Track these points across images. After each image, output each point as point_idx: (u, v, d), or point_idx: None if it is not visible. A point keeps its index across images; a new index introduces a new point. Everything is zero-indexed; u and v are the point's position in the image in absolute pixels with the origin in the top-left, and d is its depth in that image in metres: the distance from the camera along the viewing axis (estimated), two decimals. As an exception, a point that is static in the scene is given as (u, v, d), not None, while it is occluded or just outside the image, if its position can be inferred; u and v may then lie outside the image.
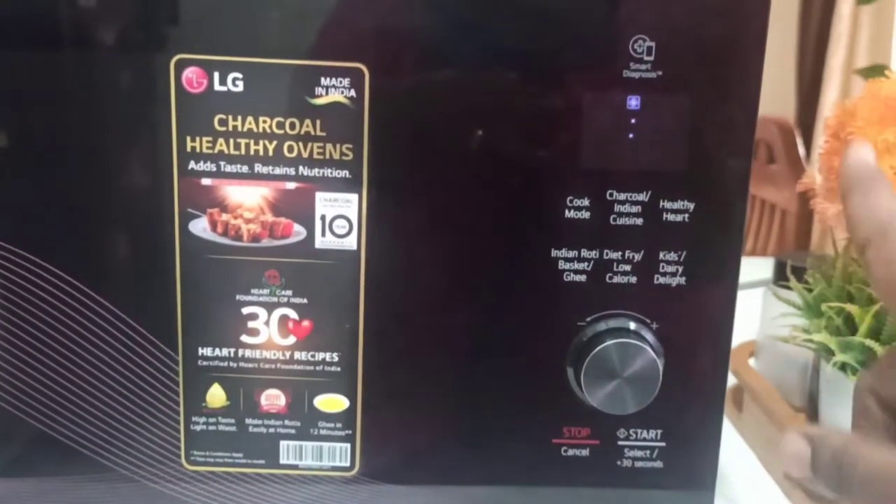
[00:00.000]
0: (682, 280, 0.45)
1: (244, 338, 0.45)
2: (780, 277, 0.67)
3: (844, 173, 0.35)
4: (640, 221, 0.44)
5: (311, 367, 0.46)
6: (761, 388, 0.67)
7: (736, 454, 0.67)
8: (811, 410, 0.64)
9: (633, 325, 0.45)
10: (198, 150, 0.43)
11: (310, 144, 0.43)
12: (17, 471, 0.47)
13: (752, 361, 0.74)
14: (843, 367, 0.54)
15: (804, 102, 2.50)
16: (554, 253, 0.44)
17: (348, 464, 0.47)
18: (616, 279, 0.45)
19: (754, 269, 0.91)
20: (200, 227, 0.44)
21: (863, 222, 0.33)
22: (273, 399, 0.46)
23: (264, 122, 0.43)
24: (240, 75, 0.42)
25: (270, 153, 0.43)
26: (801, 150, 1.61)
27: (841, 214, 0.54)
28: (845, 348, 0.54)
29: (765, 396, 0.66)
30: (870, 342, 0.52)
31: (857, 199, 0.34)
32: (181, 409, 0.46)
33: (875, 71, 1.07)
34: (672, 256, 0.45)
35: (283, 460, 0.47)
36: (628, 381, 0.44)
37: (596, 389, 0.44)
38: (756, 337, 0.74)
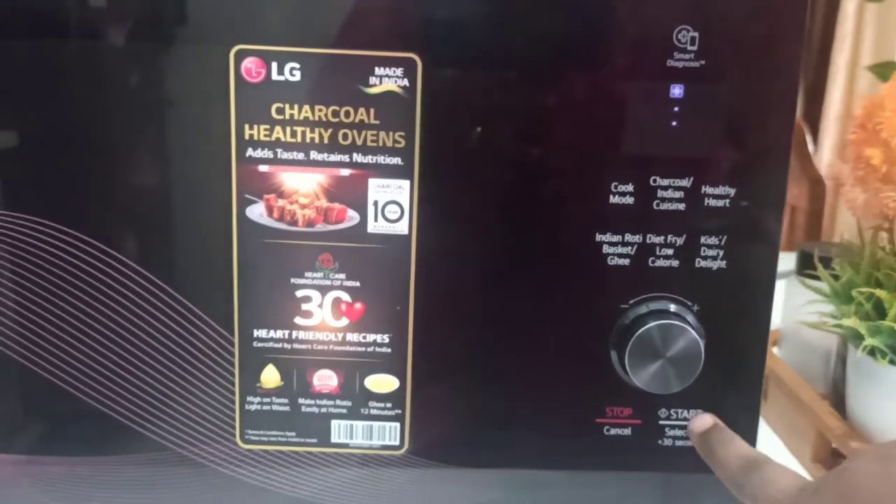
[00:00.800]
0: (723, 263, 0.46)
1: (298, 320, 0.47)
2: (804, 267, 0.68)
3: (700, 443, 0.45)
4: (682, 207, 0.46)
5: (363, 349, 0.47)
6: (786, 376, 0.69)
7: (762, 440, 0.68)
8: (834, 397, 0.65)
9: (673, 308, 0.47)
10: (255, 137, 0.44)
11: (363, 132, 0.45)
12: (74, 449, 0.48)
13: (775, 350, 0.76)
14: (872, 351, 0.56)
15: (810, 100, 2.51)
16: (598, 237, 0.46)
17: (398, 443, 0.49)
18: (658, 263, 0.46)
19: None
20: (257, 212, 0.45)
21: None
22: (325, 379, 0.48)
23: (320, 110, 0.44)
24: (297, 65, 0.44)
25: (325, 140, 0.45)
26: (811, 147, 1.63)
27: (870, 202, 0.56)
28: (875, 333, 0.55)
29: (790, 383, 0.67)
30: (899, 326, 0.54)
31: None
32: (236, 389, 0.48)
33: (886, 67, 1.08)
34: (713, 241, 0.46)
35: (334, 439, 0.48)
36: (671, 361, 0.45)
37: (640, 370, 0.46)
38: (779, 326, 0.75)
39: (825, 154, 2.23)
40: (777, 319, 0.75)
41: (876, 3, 2.32)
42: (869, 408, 0.58)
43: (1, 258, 0.46)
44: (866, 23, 2.40)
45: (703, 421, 0.45)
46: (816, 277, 0.63)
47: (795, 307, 0.68)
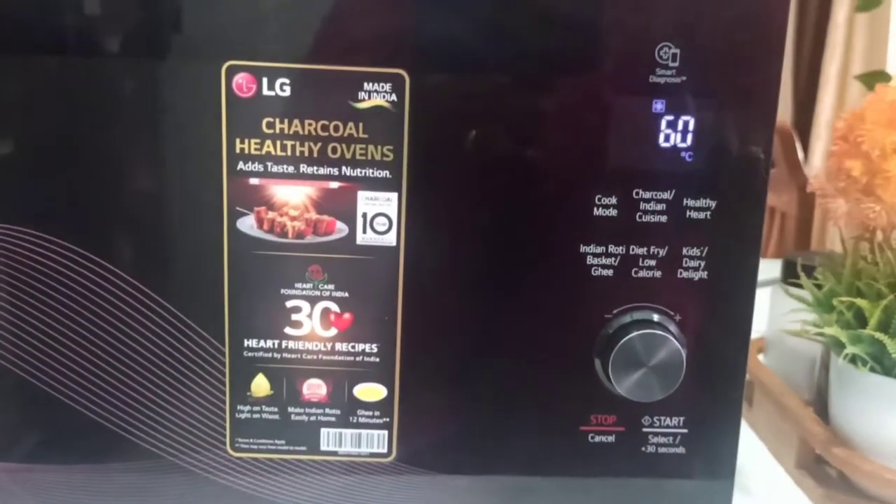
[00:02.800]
0: (704, 274, 0.47)
1: (288, 330, 0.48)
2: (788, 276, 0.69)
3: None
4: (664, 219, 0.47)
5: (352, 358, 0.48)
6: (771, 383, 0.69)
7: (748, 446, 0.69)
8: (819, 405, 0.66)
9: (656, 317, 0.48)
10: (246, 151, 0.45)
11: (352, 146, 0.45)
12: (66, 458, 0.49)
13: (761, 357, 0.77)
14: (853, 359, 0.57)
15: (800, 109, 2.53)
16: (583, 248, 0.47)
17: (385, 450, 0.49)
18: (641, 273, 0.47)
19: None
20: (248, 224, 0.46)
21: None
22: (315, 388, 0.48)
23: (309, 124, 0.45)
24: (287, 81, 0.45)
25: (315, 154, 0.45)
26: (801, 155, 1.64)
27: (851, 212, 0.57)
28: (856, 341, 0.56)
29: (775, 390, 0.68)
30: (879, 335, 0.55)
31: None
32: (227, 398, 0.48)
33: (875, 77, 1.09)
34: (695, 252, 0.47)
35: (323, 447, 0.49)
36: (654, 370, 0.46)
37: (623, 378, 0.47)
38: (764, 334, 0.76)
39: (815, 162, 2.25)
40: (762, 327, 0.77)
41: (867, 14, 2.34)
42: (851, 414, 0.59)
43: (-5, 269, 0.46)
44: (857, 32, 2.42)
45: None
46: (800, 285, 0.64)
47: (781, 315, 0.69)
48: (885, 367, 0.56)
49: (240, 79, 0.45)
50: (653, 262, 0.47)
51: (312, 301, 0.47)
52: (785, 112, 2.58)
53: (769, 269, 0.78)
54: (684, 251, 0.47)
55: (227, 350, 0.48)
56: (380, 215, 0.46)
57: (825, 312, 0.60)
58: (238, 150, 0.45)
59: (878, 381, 0.56)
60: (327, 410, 0.49)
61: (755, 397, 0.72)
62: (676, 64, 0.45)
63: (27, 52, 0.44)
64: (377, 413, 0.49)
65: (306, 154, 0.45)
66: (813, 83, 2.46)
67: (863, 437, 0.58)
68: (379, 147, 0.45)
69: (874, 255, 0.59)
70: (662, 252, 0.47)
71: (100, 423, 0.48)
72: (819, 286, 0.61)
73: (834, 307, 0.58)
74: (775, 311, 0.73)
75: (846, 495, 0.60)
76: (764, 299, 0.76)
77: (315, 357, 0.48)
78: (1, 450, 0.49)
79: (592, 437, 0.49)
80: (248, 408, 0.49)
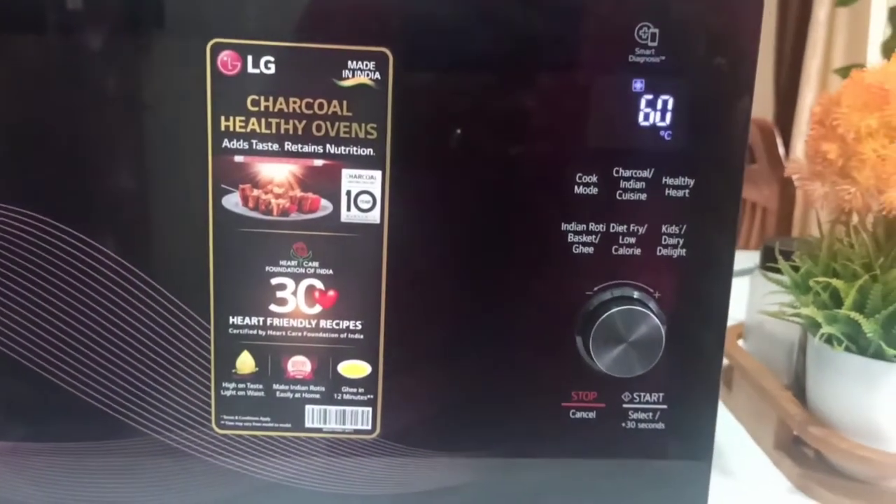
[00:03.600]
0: (683, 252, 0.48)
1: (273, 307, 0.48)
2: (766, 262, 0.70)
3: None
4: (643, 197, 0.47)
5: (336, 335, 0.49)
6: (751, 366, 0.70)
7: (727, 429, 0.70)
8: (796, 387, 0.67)
9: (636, 294, 0.49)
10: (231, 129, 0.46)
11: (336, 124, 0.46)
12: (51, 436, 0.49)
13: (740, 342, 0.78)
14: (829, 339, 0.58)
15: (782, 105, 2.55)
16: (564, 227, 0.48)
17: (369, 427, 0.50)
18: (621, 251, 0.48)
19: (738, 261, 0.95)
20: (233, 201, 0.47)
21: None
22: (299, 365, 0.49)
23: (294, 102, 0.46)
24: (272, 58, 0.45)
25: (299, 132, 0.46)
26: (781, 150, 1.66)
27: (827, 195, 0.58)
28: (831, 321, 0.57)
29: (754, 373, 0.69)
30: (854, 315, 0.56)
31: None
32: (212, 375, 0.49)
33: (852, 69, 1.11)
34: (673, 229, 0.48)
35: (308, 424, 0.50)
36: (634, 345, 0.47)
37: (604, 354, 0.47)
38: (744, 320, 0.77)
39: (798, 155, 2.27)
40: (742, 313, 0.78)
41: (847, 10, 2.36)
42: (827, 394, 0.60)
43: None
44: (838, 29, 2.45)
45: None
46: (778, 271, 0.65)
47: (760, 301, 0.70)
48: (860, 347, 0.57)
49: (225, 56, 0.45)
50: (633, 240, 0.48)
51: (297, 278, 0.48)
52: (766, 108, 2.60)
53: (750, 260, 0.79)
54: (663, 229, 0.48)
55: (211, 327, 0.48)
56: (364, 193, 0.47)
57: (802, 294, 0.61)
58: (223, 128, 0.46)
59: (854, 360, 0.57)
60: (312, 387, 0.49)
61: (734, 381, 0.73)
62: (655, 44, 0.45)
63: (9, 31, 0.44)
64: (361, 390, 0.49)
65: (291, 132, 0.46)
66: (794, 80, 2.48)
67: (839, 416, 0.59)
68: (363, 125, 0.46)
69: (850, 237, 0.60)
70: (642, 230, 0.48)
71: (84, 400, 0.49)
72: (796, 269, 0.62)
73: (810, 289, 0.59)
74: (754, 297, 0.74)
75: (823, 474, 0.61)
76: (744, 288, 0.77)
77: (300, 334, 0.49)
78: (-15, 427, 0.49)
79: (574, 414, 0.50)
80: (233, 385, 0.49)
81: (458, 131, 0.47)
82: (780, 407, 0.64)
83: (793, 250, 0.66)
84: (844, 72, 1.01)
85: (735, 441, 0.68)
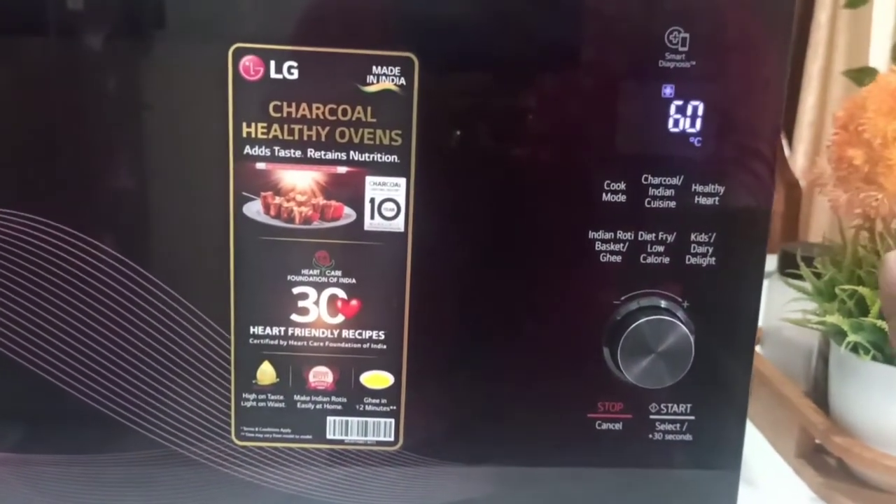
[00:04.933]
0: (713, 260, 0.47)
1: (294, 317, 0.47)
2: (785, 267, 0.70)
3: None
4: (673, 204, 0.46)
5: (359, 345, 0.48)
6: (769, 373, 0.70)
7: (746, 436, 0.69)
8: (815, 394, 0.66)
9: (664, 304, 0.48)
10: (253, 135, 0.45)
11: (360, 130, 0.45)
12: (65, 448, 0.48)
13: (758, 348, 0.77)
14: (854, 347, 0.57)
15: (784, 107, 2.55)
16: (591, 235, 0.47)
17: (392, 438, 0.49)
18: (650, 260, 0.47)
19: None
20: (254, 209, 0.46)
21: None
22: (321, 376, 0.48)
23: (317, 108, 0.45)
24: (295, 63, 0.44)
25: (323, 138, 0.45)
26: (786, 151, 1.65)
27: (852, 201, 0.57)
28: (857, 329, 0.56)
29: (773, 381, 0.68)
30: (881, 323, 0.55)
31: None
32: (232, 386, 0.48)
33: (862, 72, 1.10)
34: (703, 238, 0.47)
35: (329, 435, 0.49)
36: (663, 356, 0.46)
37: (632, 365, 0.46)
38: (761, 325, 0.76)
39: (799, 161, 2.26)
40: (759, 319, 0.77)
41: (848, 13, 2.36)
42: (851, 402, 0.59)
43: (-4, 255, 0.46)
44: (839, 31, 2.44)
45: None
46: (797, 276, 0.64)
47: (777, 306, 0.70)
48: (886, 356, 0.56)
49: (247, 61, 0.44)
50: (661, 248, 0.47)
51: (319, 287, 0.47)
52: (768, 111, 2.58)
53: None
54: (692, 237, 0.47)
55: (232, 337, 0.47)
56: (388, 201, 0.46)
57: (826, 301, 0.60)
58: (245, 134, 0.45)
59: (880, 369, 0.56)
60: (333, 398, 0.48)
61: (753, 388, 0.72)
62: (686, 48, 0.45)
63: (28, 33, 0.43)
64: (384, 401, 0.48)
65: (314, 138, 0.45)
66: (796, 82, 2.48)
67: (863, 425, 0.59)
68: (387, 131, 0.45)
69: (875, 243, 0.59)
70: (671, 238, 0.47)
71: (101, 411, 0.48)
72: (818, 275, 0.61)
73: (835, 296, 0.59)
74: (772, 303, 0.73)
75: (846, 483, 0.60)
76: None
77: (321, 344, 0.48)
78: None
79: (600, 425, 0.49)
80: (253, 396, 0.48)
81: (484, 138, 0.46)
82: (801, 415, 0.63)
83: (812, 256, 0.65)
84: (854, 74, 1.01)
85: (754, 449, 0.67)
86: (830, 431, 0.60)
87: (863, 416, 0.58)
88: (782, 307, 0.66)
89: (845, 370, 0.59)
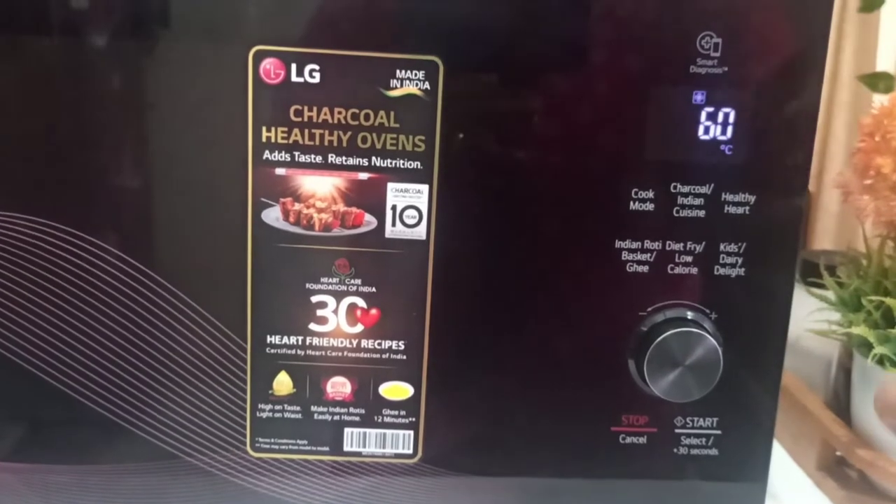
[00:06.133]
0: (742, 271, 0.46)
1: (312, 326, 0.46)
2: (805, 276, 0.68)
3: None
4: (702, 214, 0.45)
5: (378, 355, 0.46)
6: (790, 384, 0.68)
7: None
8: (836, 406, 0.65)
9: (691, 315, 0.46)
10: (273, 140, 0.44)
11: (383, 135, 0.44)
12: (83, 457, 0.47)
13: (775, 358, 0.76)
14: (880, 359, 0.56)
15: (790, 111, 2.53)
16: (618, 244, 0.46)
17: (411, 451, 0.48)
18: (677, 270, 0.46)
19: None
20: (273, 216, 0.44)
21: None
22: (339, 386, 0.47)
23: (339, 113, 0.44)
24: (316, 67, 0.43)
25: (344, 144, 0.44)
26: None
27: (879, 210, 0.56)
28: (884, 341, 0.55)
29: (794, 392, 0.67)
30: (909, 335, 0.54)
31: None
32: (248, 396, 0.47)
33: (877, 77, 1.09)
34: (732, 248, 0.46)
35: (346, 447, 0.48)
36: (691, 369, 0.45)
37: (659, 378, 0.45)
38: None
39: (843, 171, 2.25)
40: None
41: (857, 16, 2.35)
42: (874, 417, 0.58)
43: (9, 262, 0.44)
44: (847, 35, 2.43)
45: None
46: (818, 285, 0.63)
47: (795, 316, 0.68)
48: (912, 368, 0.55)
49: (267, 64, 0.43)
50: (689, 259, 0.46)
51: (338, 296, 0.46)
52: (774, 114, 2.57)
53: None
54: (721, 247, 0.46)
55: (248, 346, 0.46)
56: (410, 208, 0.45)
57: (850, 312, 0.59)
58: (264, 139, 0.44)
59: (907, 381, 0.55)
60: (351, 410, 0.47)
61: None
62: (718, 54, 0.43)
63: (43, 33, 0.42)
64: (403, 412, 0.47)
65: (335, 143, 0.44)
66: (803, 86, 2.46)
67: (888, 438, 0.57)
68: (410, 137, 0.44)
69: (901, 253, 0.58)
70: (699, 248, 0.46)
71: (115, 421, 0.46)
72: (841, 285, 0.60)
73: (859, 307, 0.57)
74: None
75: (868, 496, 0.59)
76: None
77: (340, 354, 0.46)
78: (9, 449, 0.47)
79: (624, 438, 0.48)
80: (269, 406, 0.47)
81: (510, 145, 0.44)
82: (823, 427, 0.62)
83: (835, 265, 0.64)
84: (869, 79, 1.00)
85: (774, 459, 0.66)
86: (854, 444, 0.59)
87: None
88: (800, 317, 0.65)
89: (869, 382, 0.58)
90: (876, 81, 1.04)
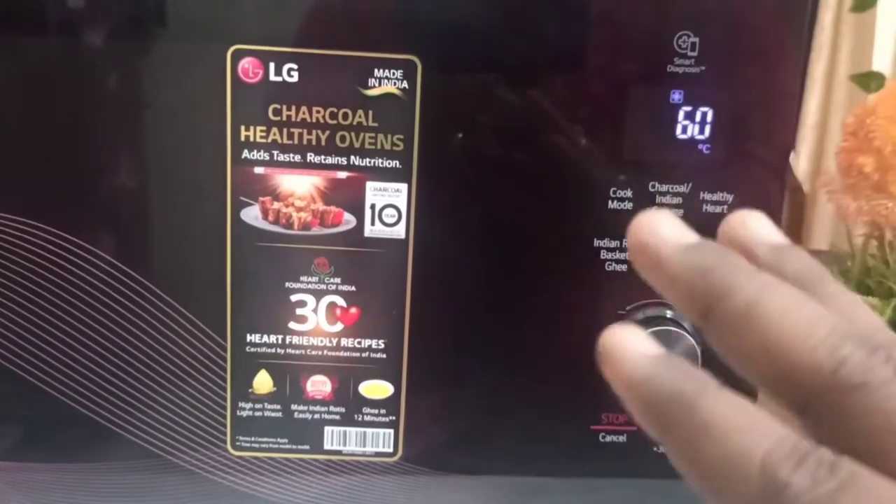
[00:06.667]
0: (720, 270, 0.46)
1: (292, 324, 0.46)
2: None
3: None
4: (680, 212, 0.45)
5: (357, 354, 0.47)
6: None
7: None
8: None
9: (669, 314, 0.47)
10: (251, 139, 0.44)
11: (361, 135, 0.44)
12: (62, 457, 0.47)
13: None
14: (863, 358, 0.56)
15: (786, 110, 2.53)
16: (597, 243, 0.46)
17: (391, 449, 0.48)
18: (656, 269, 0.46)
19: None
20: (252, 215, 0.45)
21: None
22: (319, 385, 0.47)
23: (317, 112, 0.44)
24: (295, 66, 0.43)
25: (323, 143, 0.44)
26: (791, 156, 1.64)
27: (861, 209, 0.56)
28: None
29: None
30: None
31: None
32: (228, 395, 0.47)
33: (868, 77, 1.09)
34: (711, 247, 0.46)
35: (327, 446, 0.48)
36: (669, 368, 0.45)
37: (637, 376, 0.45)
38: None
39: (802, 165, 2.25)
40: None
41: (852, 15, 2.35)
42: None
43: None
44: (843, 34, 2.43)
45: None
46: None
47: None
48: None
49: (246, 63, 0.43)
50: (668, 257, 0.46)
51: (318, 295, 0.46)
52: (771, 114, 2.58)
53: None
54: (700, 246, 0.46)
55: (228, 345, 0.46)
56: (389, 207, 0.45)
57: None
58: (243, 138, 0.44)
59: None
60: (332, 408, 0.47)
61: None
62: (695, 53, 0.43)
63: (25, 34, 0.42)
64: (383, 411, 0.47)
65: (314, 142, 0.44)
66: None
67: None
68: (389, 136, 0.44)
69: (884, 252, 0.58)
70: (678, 247, 0.46)
71: (95, 420, 0.46)
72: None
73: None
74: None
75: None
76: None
77: (320, 353, 0.47)
78: (-9, 448, 0.47)
79: (603, 437, 0.48)
80: (249, 405, 0.47)
81: (488, 143, 0.45)
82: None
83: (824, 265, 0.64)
84: (861, 79, 0.99)
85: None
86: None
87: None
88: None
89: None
90: (868, 81, 1.04)
